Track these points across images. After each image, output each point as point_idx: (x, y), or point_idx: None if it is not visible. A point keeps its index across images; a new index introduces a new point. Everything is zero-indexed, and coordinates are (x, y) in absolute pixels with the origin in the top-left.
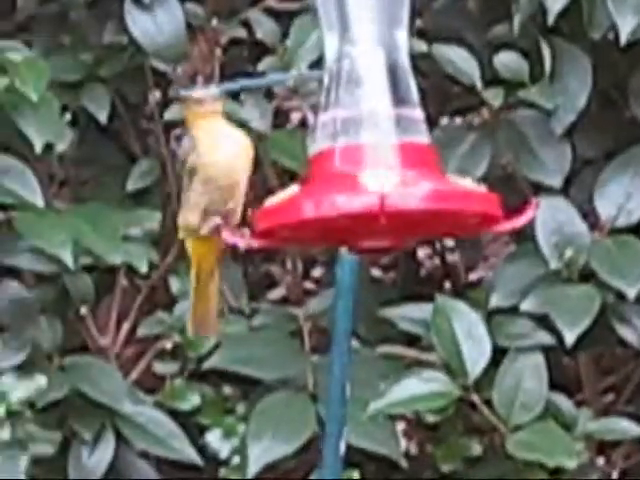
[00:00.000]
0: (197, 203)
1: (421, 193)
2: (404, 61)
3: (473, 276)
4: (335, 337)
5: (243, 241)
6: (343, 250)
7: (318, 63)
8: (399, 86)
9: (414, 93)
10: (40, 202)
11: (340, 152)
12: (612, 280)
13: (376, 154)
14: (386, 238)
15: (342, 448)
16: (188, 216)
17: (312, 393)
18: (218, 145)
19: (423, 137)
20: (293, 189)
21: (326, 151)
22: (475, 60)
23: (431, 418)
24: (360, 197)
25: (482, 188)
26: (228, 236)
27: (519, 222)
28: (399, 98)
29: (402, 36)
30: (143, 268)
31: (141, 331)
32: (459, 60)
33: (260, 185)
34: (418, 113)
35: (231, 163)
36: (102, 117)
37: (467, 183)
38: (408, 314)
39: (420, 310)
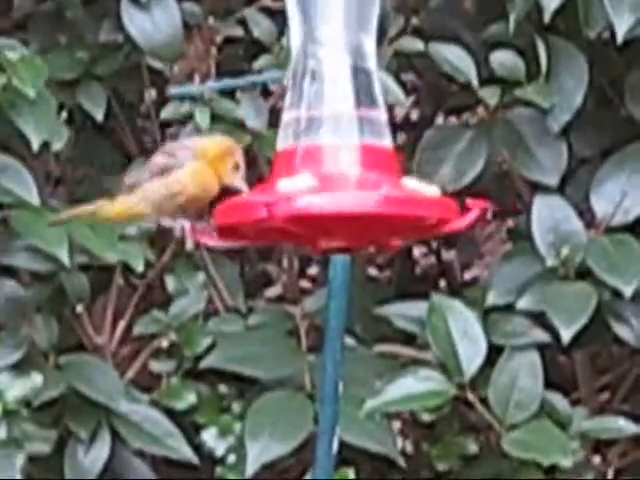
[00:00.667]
0: (155, 202)
1: (325, 199)
2: (370, 65)
3: (469, 274)
4: (328, 335)
5: (212, 240)
6: None
7: None
8: (363, 88)
9: (379, 96)
10: (36, 201)
11: (300, 152)
12: (608, 278)
13: (335, 155)
14: (340, 239)
15: (335, 446)
16: (142, 205)
17: (309, 392)
18: (204, 185)
19: (385, 140)
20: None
21: (288, 150)
22: (471, 59)
23: (427, 417)
24: (250, 203)
25: (431, 193)
26: (199, 237)
27: (461, 224)
28: (363, 100)
29: (369, 41)
30: (139, 267)
31: (137, 330)
32: (455, 59)
33: (256, 183)
34: (382, 115)
35: (205, 191)
36: (98, 115)
37: (424, 188)
38: (404, 312)
39: (416, 308)
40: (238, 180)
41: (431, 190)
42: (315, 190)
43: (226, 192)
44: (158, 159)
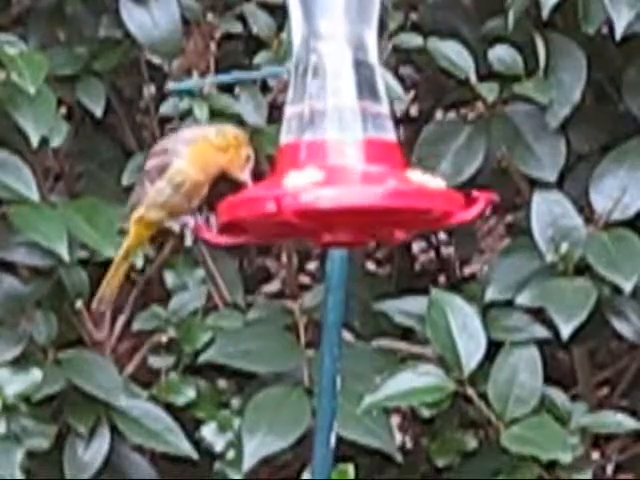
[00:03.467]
0: (164, 203)
1: (334, 193)
2: (372, 59)
3: (468, 270)
4: (326, 330)
5: (215, 238)
6: None
7: None
8: (366, 82)
9: (381, 89)
10: (35, 196)
11: (305, 146)
12: (608, 274)
13: (340, 149)
14: (345, 233)
15: (333, 441)
16: (152, 213)
17: (307, 387)
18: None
19: (389, 133)
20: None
21: (291, 144)
22: (470, 54)
23: (426, 412)
24: (260, 199)
25: (436, 186)
26: (203, 234)
27: (467, 216)
28: (365, 94)
29: (371, 35)
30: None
31: (136, 325)
32: (454, 54)
33: (256, 179)
34: (385, 109)
35: (205, 172)
36: (97, 111)
37: (429, 181)
38: (403, 308)
39: (415, 304)
40: (246, 173)
41: (436, 182)
42: (322, 184)
43: (230, 188)
44: (151, 163)
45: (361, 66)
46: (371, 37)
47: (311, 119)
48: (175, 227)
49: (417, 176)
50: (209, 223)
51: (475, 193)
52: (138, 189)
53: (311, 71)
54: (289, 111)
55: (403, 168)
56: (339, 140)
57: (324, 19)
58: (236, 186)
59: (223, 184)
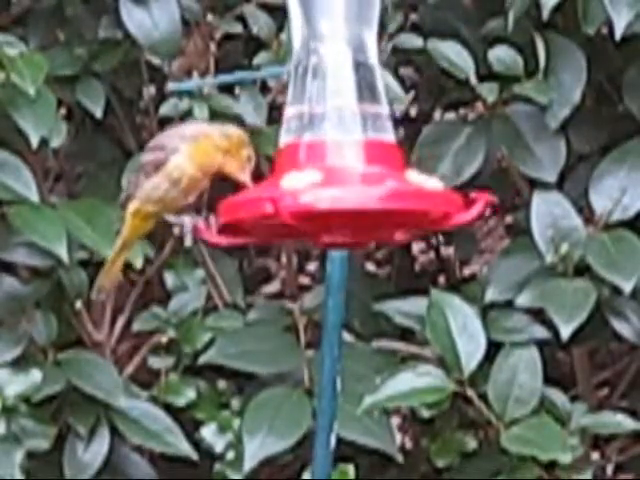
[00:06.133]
0: (161, 198)
1: (331, 195)
2: (372, 60)
3: (468, 270)
4: (326, 331)
5: (215, 238)
6: None
7: None
8: (366, 84)
9: (381, 91)
10: (35, 197)
11: (304, 147)
12: (608, 274)
13: (339, 150)
14: (345, 234)
15: (333, 442)
16: (147, 207)
17: (307, 388)
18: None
19: (388, 134)
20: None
21: (291, 145)
22: (470, 55)
23: (426, 412)
24: (255, 198)
25: (434, 187)
26: (202, 234)
27: (466, 217)
28: (365, 95)
29: (370, 36)
30: (138, 263)
31: (136, 326)
32: (454, 55)
33: (255, 180)
34: (384, 110)
35: (204, 170)
36: (97, 112)
37: (428, 182)
38: (403, 308)
39: (415, 304)
40: (246, 174)
41: (435, 183)
42: (320, 185)
43: (230, 188)
44: (147, 158)
45: (361, 67)
46: (371, 38)
47: (311, 120)
48: (175, 229)
49: (416, 177)
50: (209, 223)
51: (474, 194)
52: (133, 180)
53: (311, 72)
54: (289, 112)
55: (402, 169)
56: (338, 141)
57: (324, 20)
58: (237, 187)
59: (224, 185)
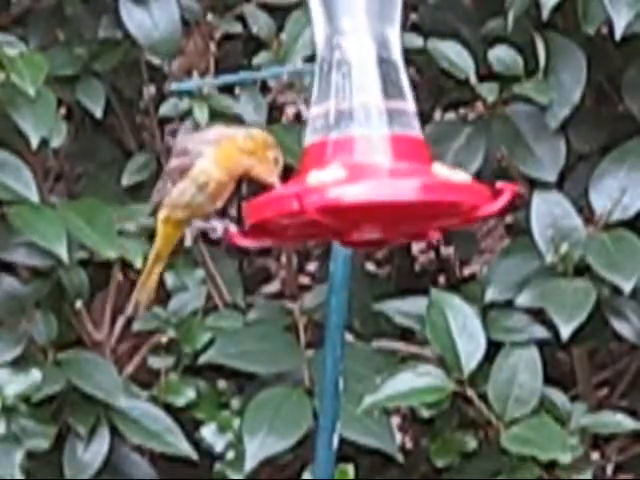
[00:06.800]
0: (188, 203)
1: (357, 189)
2: (396, 56)
3: (468, 270)
4: (328, 331)
5: (245, 241)
6: (335, 244)
7: (313, 57)
8: (390, 79)
9: (406, 87)
10: (35, 197)
11: (331, 144)
12: (607, 274)
13: (366, 146)
14: (373, 231)
15: (335, 442)
16: (177, 213)
17: (308, 388)
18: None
19: (414, 130)
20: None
21: (318, 143)
22: (470, 55)
23: (426, 412)
24: (280, 196)
25: (462, 179)
26: (235, 238)
27: (493, 208)
28: (390, 91)
29: (394, 32)
30: (138, 263)
31: (136, 326)
32: (454, 55)
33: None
34: (410, 106)
35: (230, 173)
36: (97, 112)
37: (455, 175)
38: (403, 308)
39: (415, 304)
40: (274, 176)
41: (462, 176)
42: (347, 180)
43: (256, 190)
44: (173, 164)
45: (385, 63)
46: (394, 34)
47: (337, 117)
48: (211, 233)
49: (443, 171)
50: (239, 227)
51: (500, 185)
52: (160, 188)
53: (335, 69)
54: (314, 111)
55: (429, 164)
56: (365, 137)
57: (346, 17)
58: (264, 190)
59: (253, 188)
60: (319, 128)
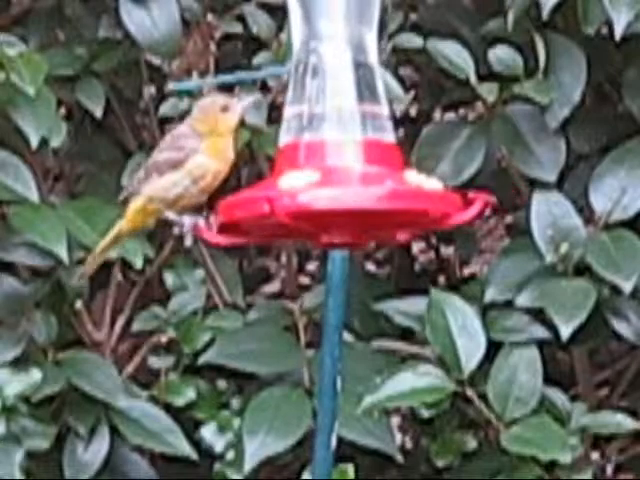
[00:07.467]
0: (179, 196)
1: (328, 194)
2: (372, 60)
3: (467, 270)
4: (326, 331)
5: (214, 238)
6: None
7: None
8: (365, 84)
9: (381, 91)
10: (35, 197)
11: (303, 147)
12: (607, 274)
13: (338, 150)
14: (343, 234)
15: (333, 442)
16: (154, 204)
17: (307, 388)
18: (223, 157)
19: (389, 134)
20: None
21: (291, 144)
22: (469, 55)
23: (426, 412)
24: (252, 198)
25: (433, 187)
26: (202, 234)
27: (464, 217)
28: (365, 95)
29: (371, 36)
30: (138, 263)
31: (136, 326)
32: (454, 55)
33: (255, 179)
34: (384, 110)
35: (225, 165)
36: (97, 112)
37: (427, 183)
38: (402, 308)
39: (415, 304)
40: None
41: (434, 184)
42: (318, 185)
43: (228, 189)
44: (164, 155)
45: (361, 67)
46: (371, 38)
47: (310, 120)
48: (175, 229)
49: (415, 177)
50: (209, 223)
51: (472, 194)
52: (142, 178)
53: (311, 72)
54: (288, 112)
55: (401, 169)
56: (338, 141)
57: (324, 20)
58: (236, 187)
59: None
60: (293, 129)
